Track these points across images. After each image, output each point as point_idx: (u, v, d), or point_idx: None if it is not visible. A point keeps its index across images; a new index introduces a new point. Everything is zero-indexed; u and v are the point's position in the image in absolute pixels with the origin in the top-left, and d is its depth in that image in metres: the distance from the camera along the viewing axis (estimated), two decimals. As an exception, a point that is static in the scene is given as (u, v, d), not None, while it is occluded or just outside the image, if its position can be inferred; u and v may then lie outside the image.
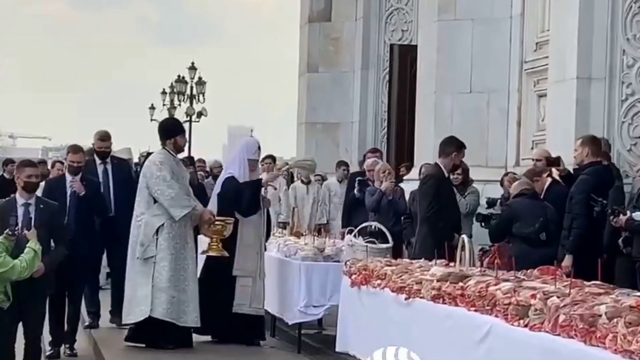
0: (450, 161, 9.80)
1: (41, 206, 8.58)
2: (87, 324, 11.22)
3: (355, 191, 12.93)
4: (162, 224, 9.66)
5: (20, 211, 8.45)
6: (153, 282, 9.61)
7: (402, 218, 11.80)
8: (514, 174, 11.30)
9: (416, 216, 11.68)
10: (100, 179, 11.18)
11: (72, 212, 10.02)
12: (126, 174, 11.60)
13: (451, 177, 11.67)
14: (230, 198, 10.09)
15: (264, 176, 10.41)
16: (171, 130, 10.15)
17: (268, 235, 10.69)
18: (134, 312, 9.75)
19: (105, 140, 11.53)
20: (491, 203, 10.48)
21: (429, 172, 9.95)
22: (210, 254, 9.99)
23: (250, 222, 10.11)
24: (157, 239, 9.65)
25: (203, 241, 10.41)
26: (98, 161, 11.40)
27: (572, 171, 9.88)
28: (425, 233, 9.66)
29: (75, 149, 10.58)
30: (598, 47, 10.89)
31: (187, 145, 10.61)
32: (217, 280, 10.03)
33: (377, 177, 12.27)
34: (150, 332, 9.74)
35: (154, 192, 9.69)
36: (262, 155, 18.81)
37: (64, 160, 11.59)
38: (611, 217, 8.55)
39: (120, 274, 10.48)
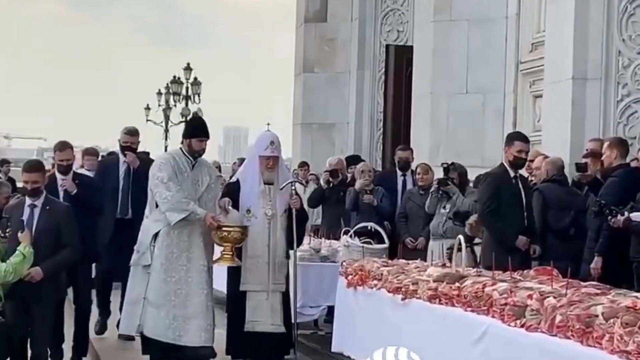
0: (507, 157, 9.20)
1: (47, 207, 8.23)
2: (96, 329, 10.46)
3: (322, 182, 12.89)
4: (159, 231, 8.82)
5: (26, 212, 8.17)
6: (146, 294, 8.79)
7: (398, 216, 11.76)
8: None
9: (411, 216, 11.71)
10: (121, 179, 10.68)
11: None
12: (147, 173, 10.71)
13: (416, 177, 11.65)
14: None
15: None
16: (187, 131, 9.23)
17: (300, 240, 9.49)
18: (130, 324, 9.00)
19: (134, 134, 10.88)
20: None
21: (488, 171, 9.41)
22: (222, 263, 8.98)
23: (253, 231, 9.06)
24: (152, 246, 8.84)
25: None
26: (122, 159, 10.76)
27: (598, 176, 9.71)
28: (487, 236, 9.18)
29: (61, 146, 9.75)
30: (594, 48, 10.91)
31: (203, 151, 9.14)
32: (232, 295, 9.19)
33: (358, 176, 12.27)
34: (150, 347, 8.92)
35: (154, 194, 8.91)
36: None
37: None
38: (609, 218, 8.52)
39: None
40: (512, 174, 9.13)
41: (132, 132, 10.93)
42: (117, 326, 10.04)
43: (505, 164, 9.20)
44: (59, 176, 9.59)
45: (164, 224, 8.79)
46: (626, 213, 8.31)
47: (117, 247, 10.21)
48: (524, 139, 9.35)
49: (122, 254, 10.11)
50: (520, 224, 9.02)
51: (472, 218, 10.19)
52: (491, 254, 7.94)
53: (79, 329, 9.52)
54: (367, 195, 11.71)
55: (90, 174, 11.53)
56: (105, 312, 10.74)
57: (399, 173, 12.31)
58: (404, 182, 12.17)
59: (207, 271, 8.87)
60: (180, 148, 9.19)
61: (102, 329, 10.61)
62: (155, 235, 8.83)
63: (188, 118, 37.32)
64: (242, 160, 13.35)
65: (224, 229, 8.73)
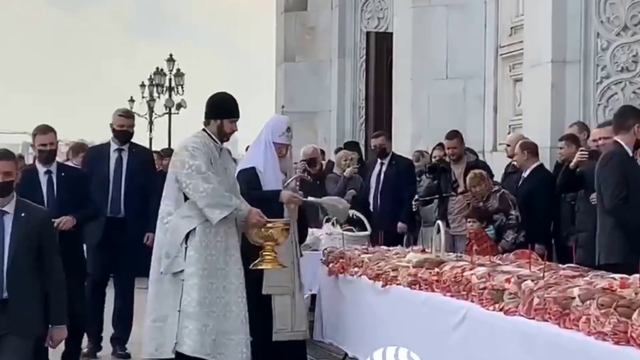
0: (633, 136, 7.57)
1: (22, 215, 6.22)
2: (84, 351, 9.05)
3: (298, 171, 12.81)
4: (193, 229, 7.37)
5: None
6: (180, 306, 7.31)
7: (415, 199, 11.56)
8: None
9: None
10: (112, 171, 9.29)
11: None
12: (145, 165, 9.62)
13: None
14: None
15: (284, 194, 8.08)
16: (219, 110, 7.64)
17: (303, 239, 8.70)
18: (159, 345, 7.42)
19: (130, 117, 9.49)
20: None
21: (610, 150, 7.72)
22: (264, 266, 7.68)
23: None
24: (185, 248, 7.37)
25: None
26: (113, 147, 9.38)
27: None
28: (612, 228, 7.56)
29: (44, 128, 8.30)
30: (572, 31, 10.91)
31: (232, 134, 7.77)
32: (253, 301, 7.73)
33: (339, 164, 12.18)
34: None
35: (185, 186, 7.36)
36: (245, 147, 18.26)
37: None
38: None
39: (128, 291, 9.34)
40: (630, 153, 7.66)
41: (129, 114, 9.60)
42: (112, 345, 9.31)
43: (622, 143, 7.59)
44: (40, 168, 8.29)
45: (198, 221, 7.38)
46: None
47: (108, 253, 9.19)
48: None
49: (114, 260, 9.26)
50: None
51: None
52: (618, 250, 7.14)
53: (69, 348, 8.32)
54: (350, 191, 11.69)
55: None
56: (97, 338, 9.38)
57: (378, 161, 11.99)
58: (380, 169, 11.97)
59: (243, 276, 7.56)
60: (204, 130, 7.65)
61: (91, 353, 9.24)
62: (187, 234, 7.40)
63: (172, 109, 37.41)
64: None
65: (268, 225, 7.53)
